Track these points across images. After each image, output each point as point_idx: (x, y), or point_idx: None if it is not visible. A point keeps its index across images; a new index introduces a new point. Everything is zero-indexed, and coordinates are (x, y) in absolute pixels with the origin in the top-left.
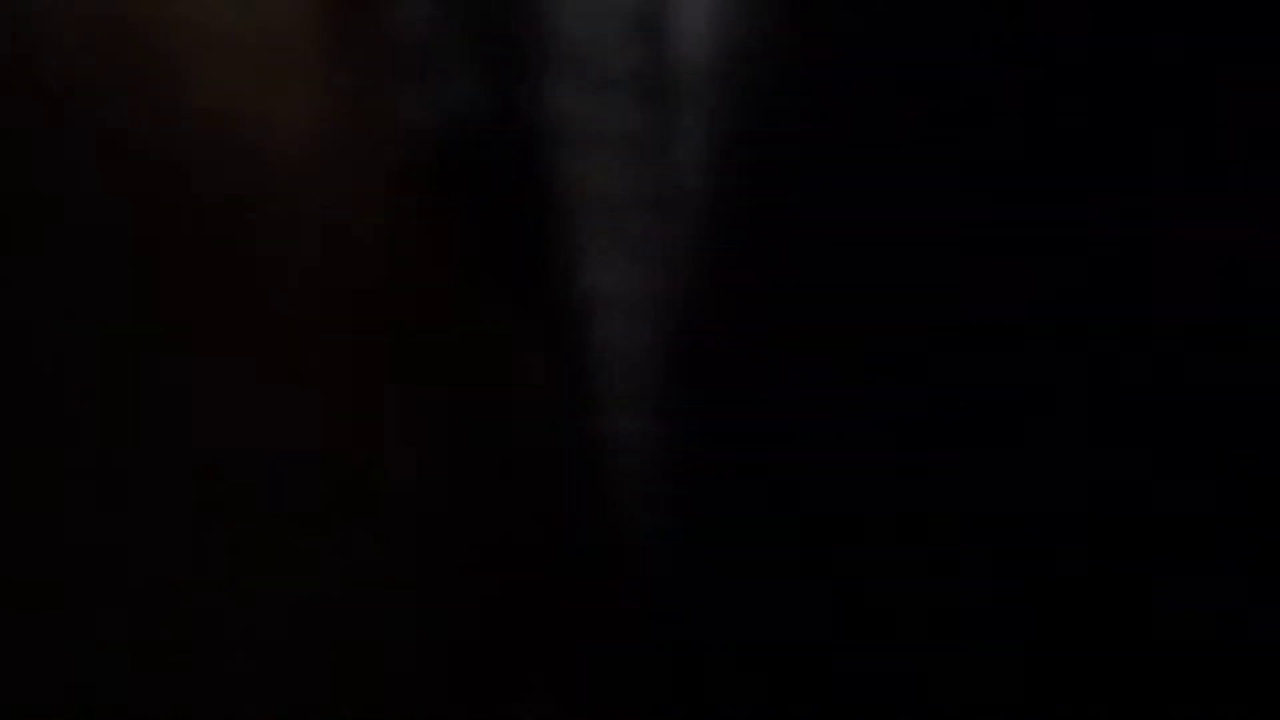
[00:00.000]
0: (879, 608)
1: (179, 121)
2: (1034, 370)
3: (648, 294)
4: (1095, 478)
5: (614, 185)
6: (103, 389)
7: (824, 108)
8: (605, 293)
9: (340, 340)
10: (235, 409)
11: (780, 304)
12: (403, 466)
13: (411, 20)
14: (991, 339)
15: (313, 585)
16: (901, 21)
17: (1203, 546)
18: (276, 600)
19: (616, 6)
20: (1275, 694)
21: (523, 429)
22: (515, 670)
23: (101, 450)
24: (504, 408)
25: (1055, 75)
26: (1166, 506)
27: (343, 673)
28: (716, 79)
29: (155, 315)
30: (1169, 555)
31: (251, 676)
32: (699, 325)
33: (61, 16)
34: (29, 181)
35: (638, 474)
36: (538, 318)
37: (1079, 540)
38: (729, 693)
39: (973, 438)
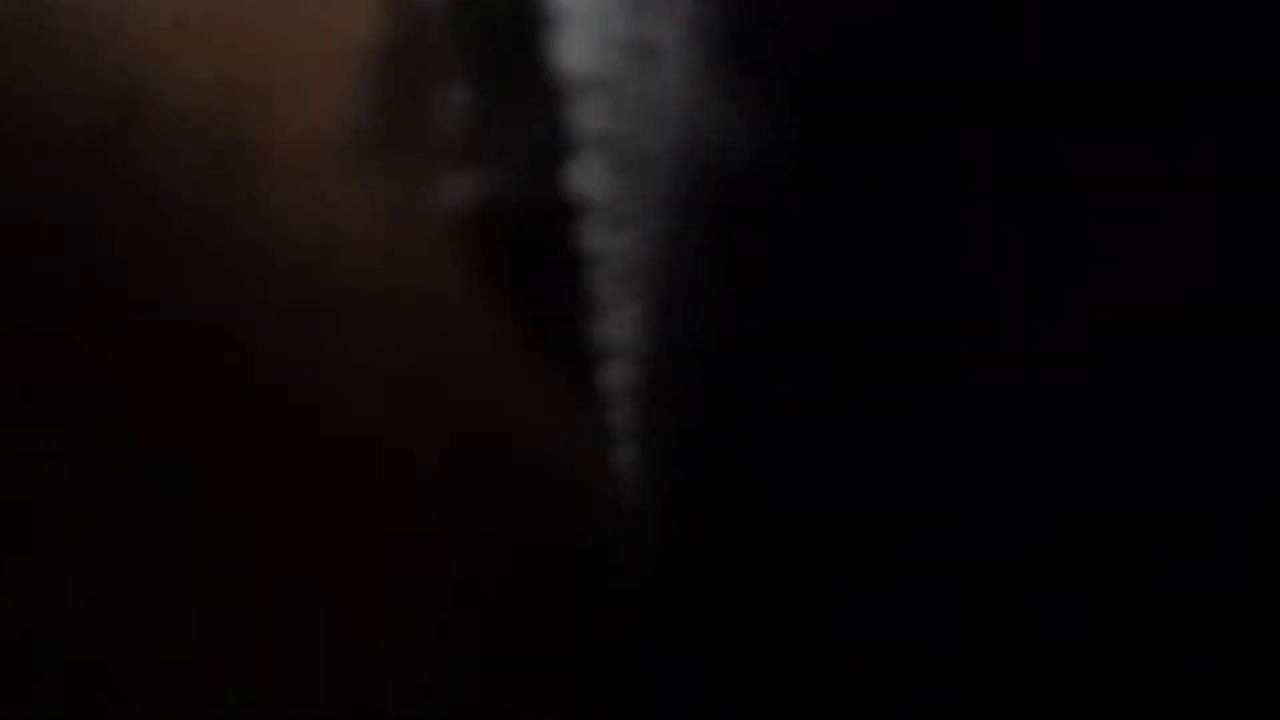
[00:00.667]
0: (876, 623)
1: (235, 209)
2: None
3: (656, 338)
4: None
5: (627, 249)
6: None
7: (798, 183)
8: (620, 338)
9: (388, 380)
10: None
11: (767, 344)
12: (419, 485)
13: (456, 113)
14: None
15: (321, 596)
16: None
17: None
18: (288, 606)
19: (630, 100)
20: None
21: (545, 454)
22: (522, 682)
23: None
24: (525, 433)
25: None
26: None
27: (350, 682)
28: (709, 158)
29: (222, 385)
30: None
31: (261, 681)
32: (698, 365)
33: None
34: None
35: (643, 493)
36: (565, 360)
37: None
38: (728, 705)
39: (963, 463)
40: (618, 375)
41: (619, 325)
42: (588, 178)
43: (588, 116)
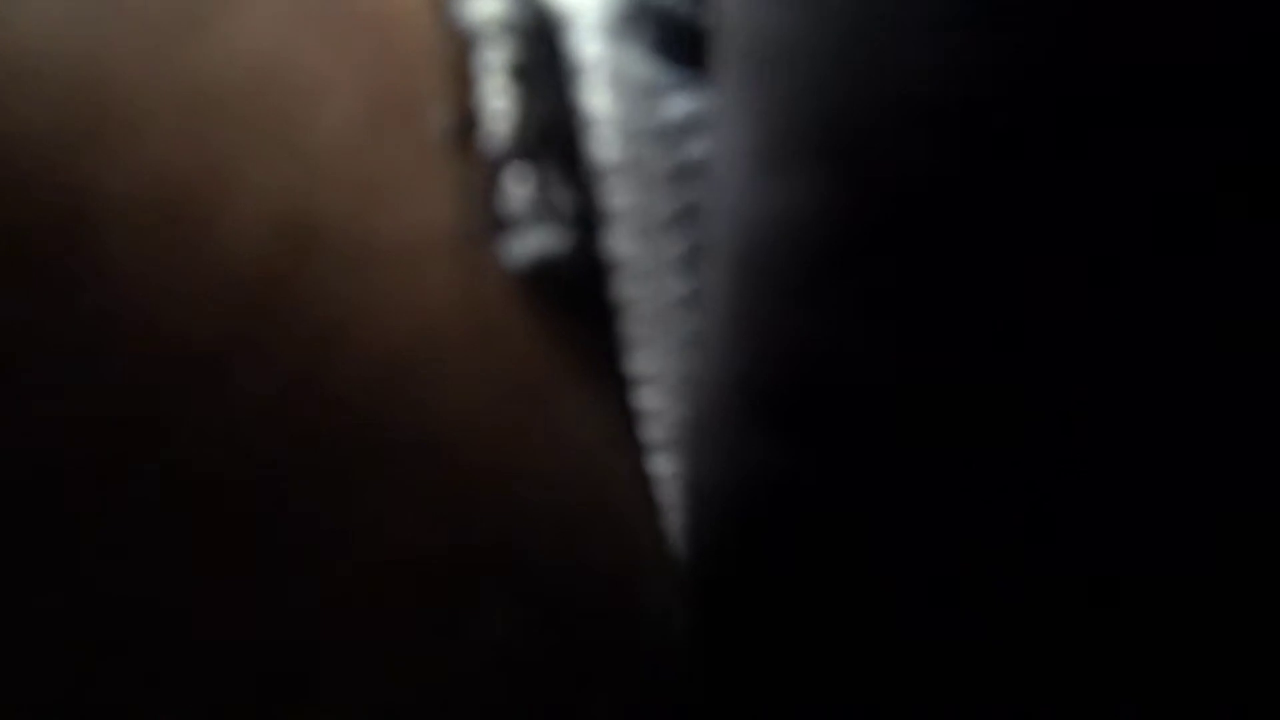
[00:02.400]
0: (919, 661)
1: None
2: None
3: (679, 372)
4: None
5: (656, 295)
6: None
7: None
8: (648, 368)
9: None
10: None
11: (770, 378)
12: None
13: (517, 193)
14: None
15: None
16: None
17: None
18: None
19: (645, 180)
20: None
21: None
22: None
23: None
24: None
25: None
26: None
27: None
28: (733, 218)
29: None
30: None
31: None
32: (715, 395)
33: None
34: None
35: (676, 505)
36: (604, 391)
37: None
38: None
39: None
40: (649, 398)
41: (647, 357)
42: (616, 241)
43: (614, 194)
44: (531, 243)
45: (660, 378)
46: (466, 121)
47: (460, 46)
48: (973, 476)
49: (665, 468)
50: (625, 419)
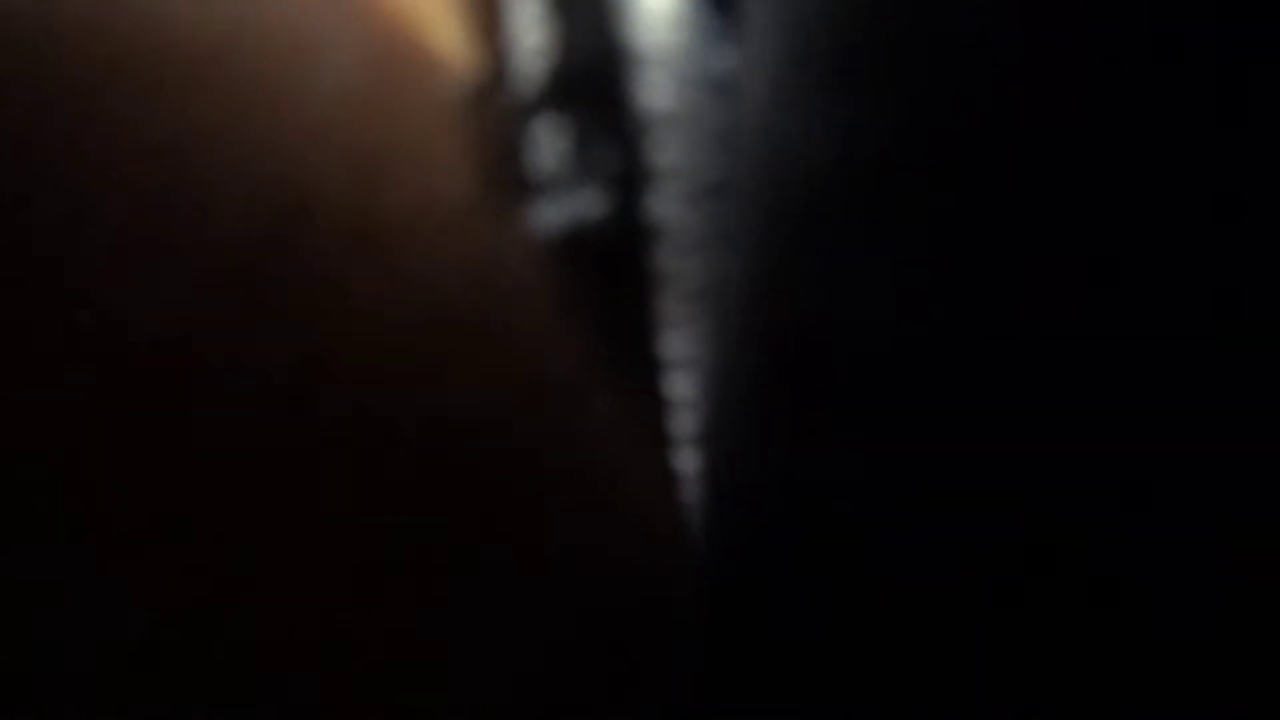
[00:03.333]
0: (936, 660)
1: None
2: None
3: (710, 355)
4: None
5: (694, 271)
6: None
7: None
8: (685, 352)
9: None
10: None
11: (800, 363)
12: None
13: (547, 148)
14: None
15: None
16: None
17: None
18: (358, 630)
19: (700, 135)
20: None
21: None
22: (587, 697)
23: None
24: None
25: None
26: None
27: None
28: (771, 188)
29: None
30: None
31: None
32: (746, 379)
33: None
34: None
35: (701, 497)
36: (631, 372)
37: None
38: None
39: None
40: (682, 385)
41: (684, 340)
42: (663, 206)
43: (664, 150)
44: (565, 206)
45: (696, 364)
46: (492, 70)
47: None
48: (999, 464)
49: (692, 464)
50: (653, 410)
